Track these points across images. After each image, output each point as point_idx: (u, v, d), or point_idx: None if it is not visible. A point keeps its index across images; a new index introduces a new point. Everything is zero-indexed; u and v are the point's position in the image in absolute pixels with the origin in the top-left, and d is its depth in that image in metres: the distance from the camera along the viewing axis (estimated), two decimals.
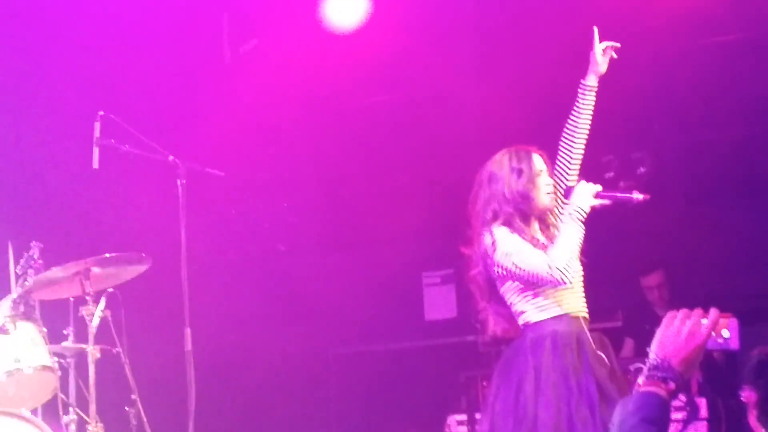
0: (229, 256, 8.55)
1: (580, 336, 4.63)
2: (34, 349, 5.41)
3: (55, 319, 5.84)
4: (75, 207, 7.23)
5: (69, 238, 6.69)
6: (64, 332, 5.84)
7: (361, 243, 8.82)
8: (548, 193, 4.75)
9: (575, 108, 4.83)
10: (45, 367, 5.42)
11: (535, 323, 4.64)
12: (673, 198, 8.67)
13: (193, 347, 5.50)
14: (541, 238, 4.74)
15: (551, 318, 4.63)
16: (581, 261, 4.67)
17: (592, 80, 4.83)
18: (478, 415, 6.84)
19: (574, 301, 4.68)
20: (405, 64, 8.35)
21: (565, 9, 7.66)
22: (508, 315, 4.75)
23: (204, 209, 6.66)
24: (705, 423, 6.79)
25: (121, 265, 5.72)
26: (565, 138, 4.83)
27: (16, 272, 5.59)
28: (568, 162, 4.83)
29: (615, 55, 4.85)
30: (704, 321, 2.47)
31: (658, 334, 2.49)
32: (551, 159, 4.84)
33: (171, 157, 5.75)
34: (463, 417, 7.82)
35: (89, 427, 5.53)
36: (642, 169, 8.27)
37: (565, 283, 4.56)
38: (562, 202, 4.77)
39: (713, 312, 2.47)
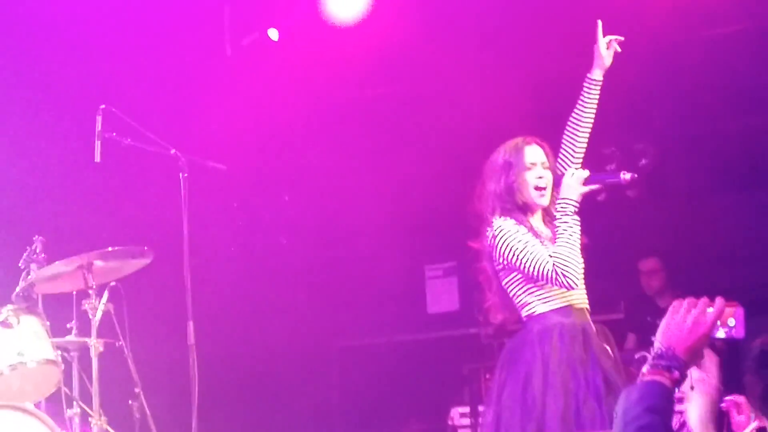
0: (232, 249, 8.54)
1: (585, 328, 4.64)
2: (38, 343, 5.42)
3: (58, 312, 5.85)
4: (77, 201, 7.22)
5: (71, 231, 6.69)
6: (67, 326, 5.84)
7: (364, 236, 8.81)
8: (537, 188, 4.73)
9: (580, 102, 4.82)
10: (48, 361, 5.43)
11: (540, 314, 4.64)
12: (675, 189, 8.68)
13: (195, 340, 5.51)
14: (545, 231, 4.74)
15: (556, 309, 4.63)
16: (583, 244, 4.64)
17: (597, 74, 4.82)
18: (481, 407, 6.84)
19: (576, 293, 4.68)
20: (407, 56, 8.33)
21: (567, 1, 7.64)
22: (511, 305, 4.75)
23: (206, 202, 6.64)
24: None
25: (123, 259, 5.72)
26: (569, 131, 4.83)
27: (19, 266, 5.61)
28: (571, 155, 4.83)
29: (619, 49, 4.84)
30: (710, 310, 2.47)
31: (664, 322, 2.49)
32: (554, 151, 4.83)
33: (173, 151, 5.76)
34: (466, 409, 7.83)
35: (92, 421, 5.55)
36: (644, 161, 8.27)
37: (573, 288, 4.57)
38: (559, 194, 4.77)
39: (719, 301, 2.47)
